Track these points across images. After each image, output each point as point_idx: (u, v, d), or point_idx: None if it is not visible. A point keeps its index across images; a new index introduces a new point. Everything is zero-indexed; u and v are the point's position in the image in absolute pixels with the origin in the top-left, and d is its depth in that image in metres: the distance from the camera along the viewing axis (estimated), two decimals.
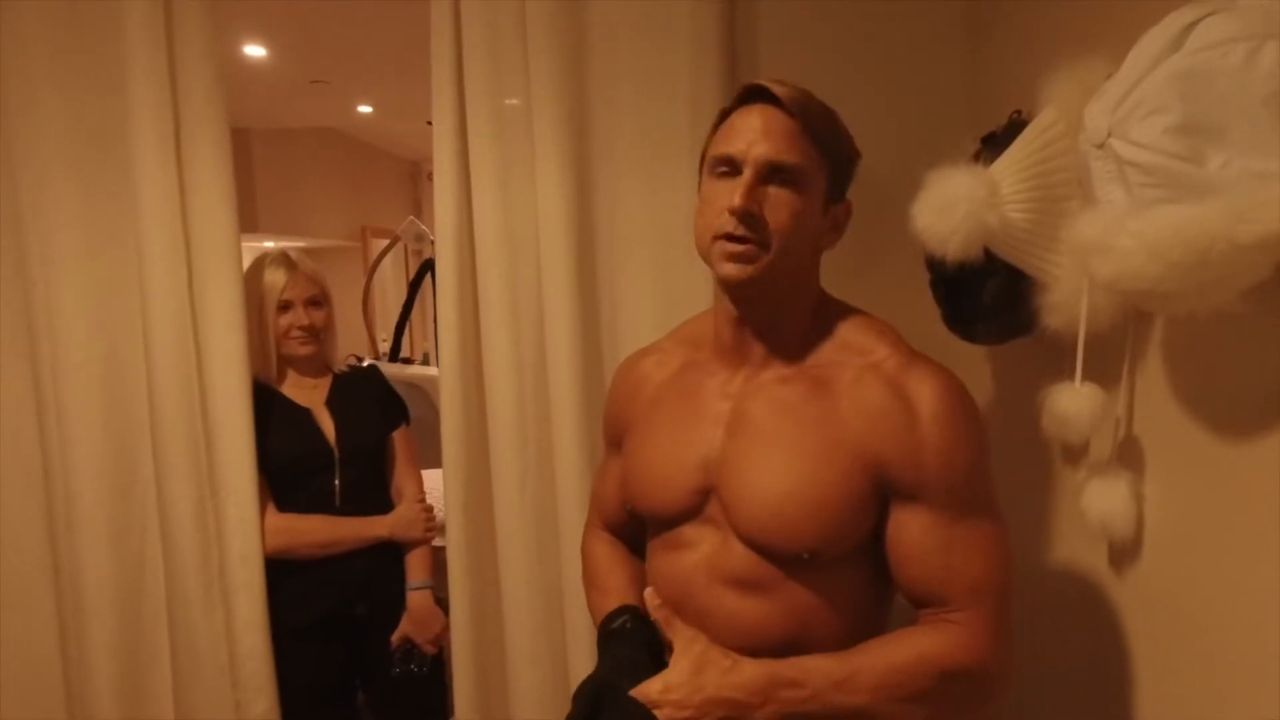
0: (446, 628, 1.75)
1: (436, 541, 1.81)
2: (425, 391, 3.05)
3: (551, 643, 1.63)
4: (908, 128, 1.45)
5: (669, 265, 1.56)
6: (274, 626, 1.65)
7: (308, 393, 1.76)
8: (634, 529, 1.18)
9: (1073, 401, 0.99)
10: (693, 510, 1.01)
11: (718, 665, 0.91)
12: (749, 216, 0.90)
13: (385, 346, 4.57)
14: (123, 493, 1.65)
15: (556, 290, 1.55)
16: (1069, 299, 0.98)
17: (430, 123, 1.60)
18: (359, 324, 4.79)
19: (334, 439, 1.73)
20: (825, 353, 0.98)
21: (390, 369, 2.89)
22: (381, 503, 1.79)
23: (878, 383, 0.93)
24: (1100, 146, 0.81)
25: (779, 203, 0.91)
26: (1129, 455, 1.03)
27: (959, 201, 1.02)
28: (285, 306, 1.71)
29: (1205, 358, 0.92)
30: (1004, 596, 0.92)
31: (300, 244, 5.20)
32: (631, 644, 1.00)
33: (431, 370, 3.48)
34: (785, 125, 0.91)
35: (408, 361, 4.60)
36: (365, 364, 2.19)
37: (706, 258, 0.96)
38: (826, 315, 1.01)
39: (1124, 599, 1.07)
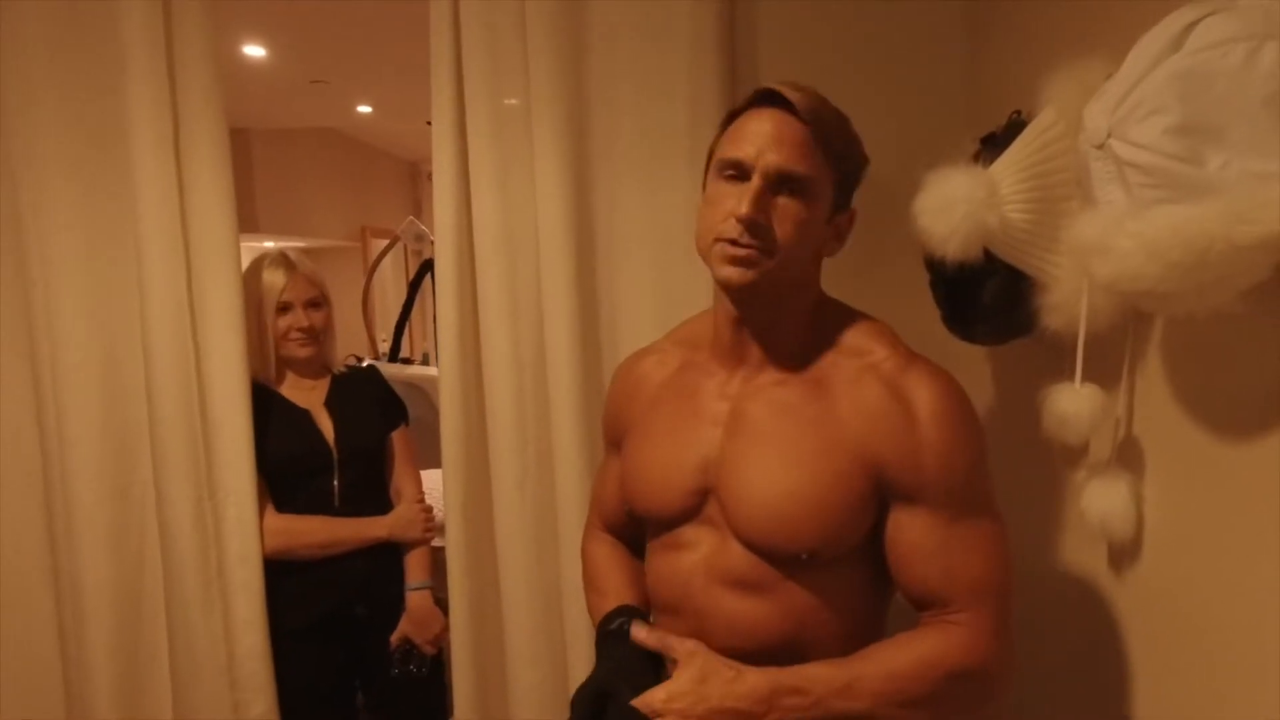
0: (446, 628, 1.75)
1: (436, 542, 1.80)
2: (425, 392, 3.05)
3: (551, 643, 1.62)
4: (907, 128, 1.45)
5: (668, 265, 1.56)
6: (273, 627, 1.65)
7: (306, 394, 1.76)
8: (634, 529, 1.18)
9: (1072, 402, 0.99)
10: (691, 511, 1.01)
11: (721, 675, 0.91)
12: (754, 225, 0.89)
13: (385, 347, 4.57)
14: (121, 493, 1.65)
15: (556, 290, 1.55)
16: (1068, 299, 0.98)
17: (430, 123, 1.60)
18: (358, 324, 4.79)
19: (333, 440, 1.73)
20: (824, 354, 0.98)
21: (390, 369, 2.88)
22: (381, 503, 1.79)
23: (876, 384, 0.93)
24: (1100, 147, 0.81)
25: (785, 213, 0.91)
26: (1129, 456, 1.03)
27: (958, 202, 1.02)
28: (284, 308, 1.71)
29: (1205, 358, 0.92)
30: (1004, 596, 0.92)
31: (300, 244, 5.20)
32: (629, 645, 1.00)
33: (431, 370, 3.48)
34: (797, 133, 0.90)
35: (407, 362, 4.60)
36: (364, 364, 2.19)
37: (706, 258, 0.95)
38: (825, 317, 1.01)
39: (1123, 599, 1.07)
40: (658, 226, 1.56)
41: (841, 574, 0.96)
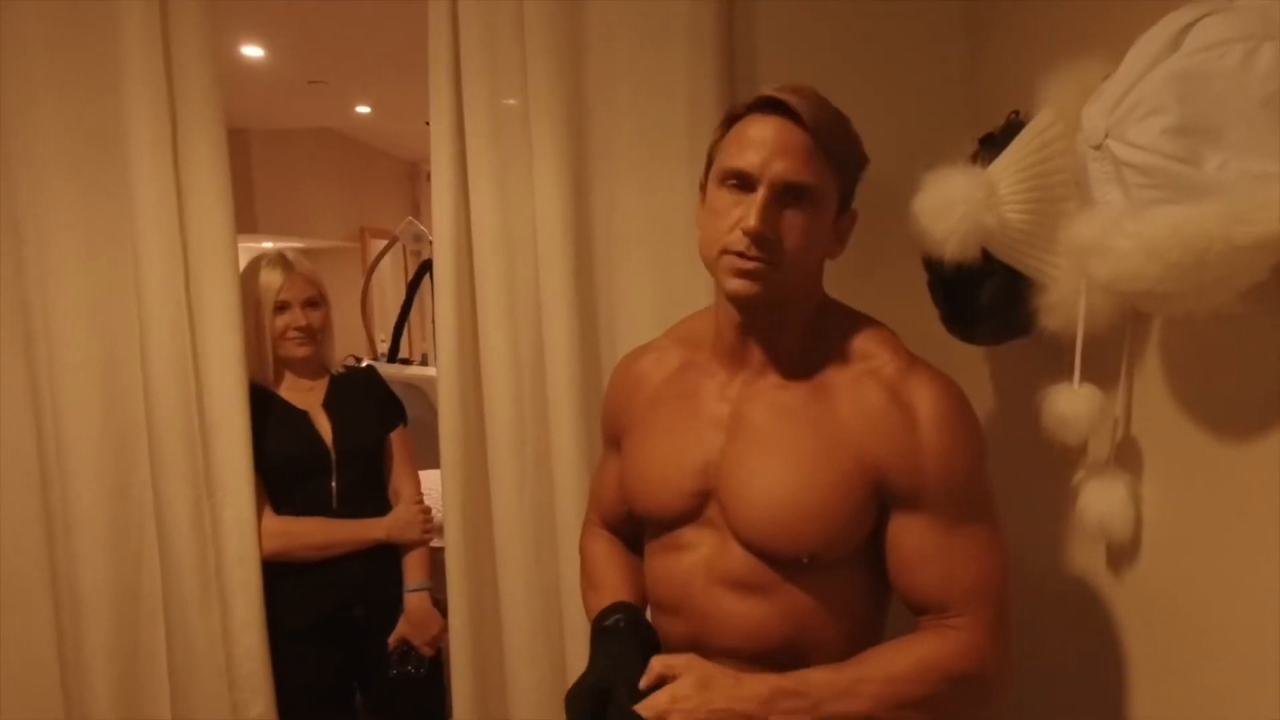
0: (444, 629, 1.75)
1: (435, 542, 1.80)
2: (424, 392, 3.04)
3: (550, 643, 1.62)
4: (906, 128, 1.45)
5: (667, 266, 1.56)
6: (271, 628, 1.64)
7: (305, 394, 1.75)
8: (632, 527, 1.18)
9: (1071, 402, 0.99)
10: (692, 513, 1.00)
11: (722, 679, 0.91)
12: (763, 239, 0.89)
13: (384, 347, 4.56)
14: (119, 494, 1.65)
15: (554, 291, 1.55)
16: (1067, 300, 0.98)
17: (428, 123, 1.60)
18: (357, 325, 4.79)
19: (331, 441, 1.72)
20: (825, 358, 0.98)
21: (389, 370, 2.88)
22: (379, 504, 1.79)
23: (877, 388, 0.93)
24: (1098, 147, 0.81)
25: (792, 224, 0.90)
26: (1127, 456, 1.03)
27: (957, 202, 1.02)
28: (282, 307, 1.70)
29: (1203, 359, 0.92)
30: (1002, 600, 0.93)
31: (298, 244, 5.19)
32: (625, 643, 1.00)
33: (430, 371, 3.48)
34: (801, 142, 0.89)
35: (406, 362, 4.60)
36: (363, 365, 2.19)
37: (712, 269, 0.95)
38: (827, 319, 1.01)
39: (1122, 600, 1.07)
40: (656, 226, 1.56)
41: (842, 576, 0.96)
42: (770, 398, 0.98)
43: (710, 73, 1.51)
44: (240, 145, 4.65)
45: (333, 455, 1.72)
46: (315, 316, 1.74)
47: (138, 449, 1.65)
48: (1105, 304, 0.93)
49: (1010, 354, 1.29)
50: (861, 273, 1.25)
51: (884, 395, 0.92)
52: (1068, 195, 0.98)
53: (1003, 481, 0.99)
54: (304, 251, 1.83)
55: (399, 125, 5.15)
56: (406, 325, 4.24)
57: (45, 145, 1.57)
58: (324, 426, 1.73)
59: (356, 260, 5.77)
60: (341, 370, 1.85)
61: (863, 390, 0.93)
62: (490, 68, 1.54)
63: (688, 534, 1.01)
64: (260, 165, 4.70)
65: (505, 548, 1.62)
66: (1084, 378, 0.99)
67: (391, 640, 1.76)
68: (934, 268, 1.21)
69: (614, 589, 1.11)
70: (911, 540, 0.93)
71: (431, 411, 1.68)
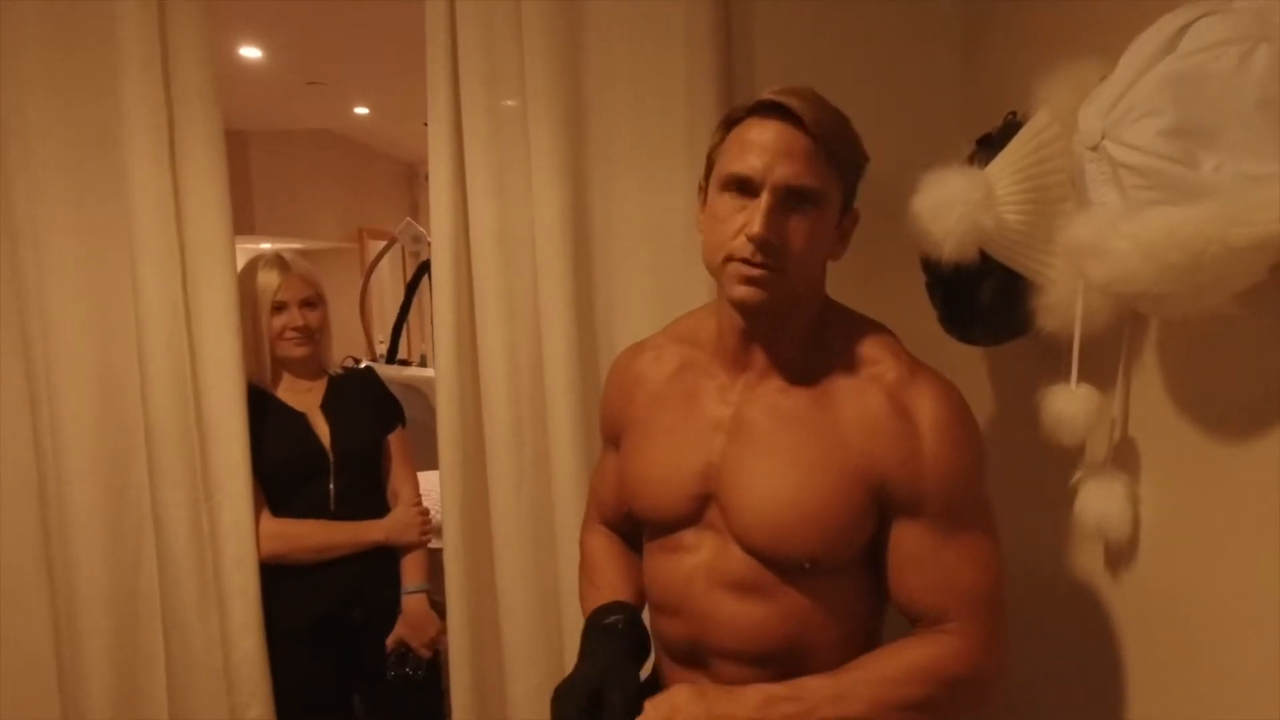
0: (441, 631, 1.75)
1: (433, 543, 1.80)
2: (422, 393, 3.04)
3: (549, 645, 1.62)
4: (903, 129, 1.45)
5: (665, 267, 1.56)
6: (269, 630, 1.64)
7: (303, 396, 1.75)
8: (632, 525, 1.17)
9: (1068, 403, 0.99)
10: (692, 516, 1.00)
11: (717, 690, 0.93)
12: (768, 245, 0.88)
13: (382, 348, 4.56)
14: (117, 495, 1.64)
15: (553, 292, 1.55)
16: (1064, 300, 0.98)
17: (427, 124, 1.60)
18: (356, 326, 4.78)
19: (329, 443, 1.72)
20: (828, 362, 0.97)
21: (387, 371, 2.88)
22: (377, 506, 1.79)
23: (879, 395, 0.93)
24: (1094, 149, 0.81)
25: (797, 228, 0.90)
26: (1125, 457, 1.03)
27: (954, 203, 1.02)
28: (279, 308, 1.70)
29: (1200, 360, 0.92)
30: (997, 606, 0.93)
31: (297, 246, 5.20)
32: (620, 645, 1.00)
33: (429, 372, 3.47)
34: (803, 145, 0.88)
35: (405, 363, 4.60)
36: (362, 366, 2.19)
37: (716, 275, 0.94)
38: (830, 322, 1.00)
39: (1120, 599, 1.07)
40: (655, 227, 1.56)
41: (842, 580, 0.96)
42: (772, 401, 0.97)
43: (708, 73, 1.51)
44: (238, 146, 4.65)
45: (331, 457, 1.72)
46: (313, 317, 1.73)
47: (135, 450, 1.64)
48: (1103, 305, 0.93)
49: (1008, 354, 1.29)
50: (859, 274, 1.25)
51: (886, 401, 0.92)
52: (1065, 196, 0.99)
53: (1001, 482, 0.99)
54: (302, 252, 1.83)
55: (397, 126, 5.16)
56: (405, 326, 4.23)
57: (43, 146, 1.57)
58: (322, 428, 1.73)
59: (355, 261, 5.77)
60: (340, 371, 1.85)
61: (865, 396, 0.93)
62: (488, 69, 1.54)
63: (688, 536, 1.01)
64: (258, 166, 4.71)
65: (504, 549, 1.62)
66: (1081, 378, 0.99)
67: (389, 642, 1.75)
68: (932, 268, 1.21)
69: (612, 586, 1.11)
70: (909, 546, 0.93)
71: (430, 412, 1.68)
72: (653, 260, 1.57)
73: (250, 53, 3.25)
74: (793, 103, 0.88)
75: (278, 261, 1.72)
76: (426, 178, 1.61)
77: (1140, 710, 1.03)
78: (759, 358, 0.99)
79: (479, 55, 1.54)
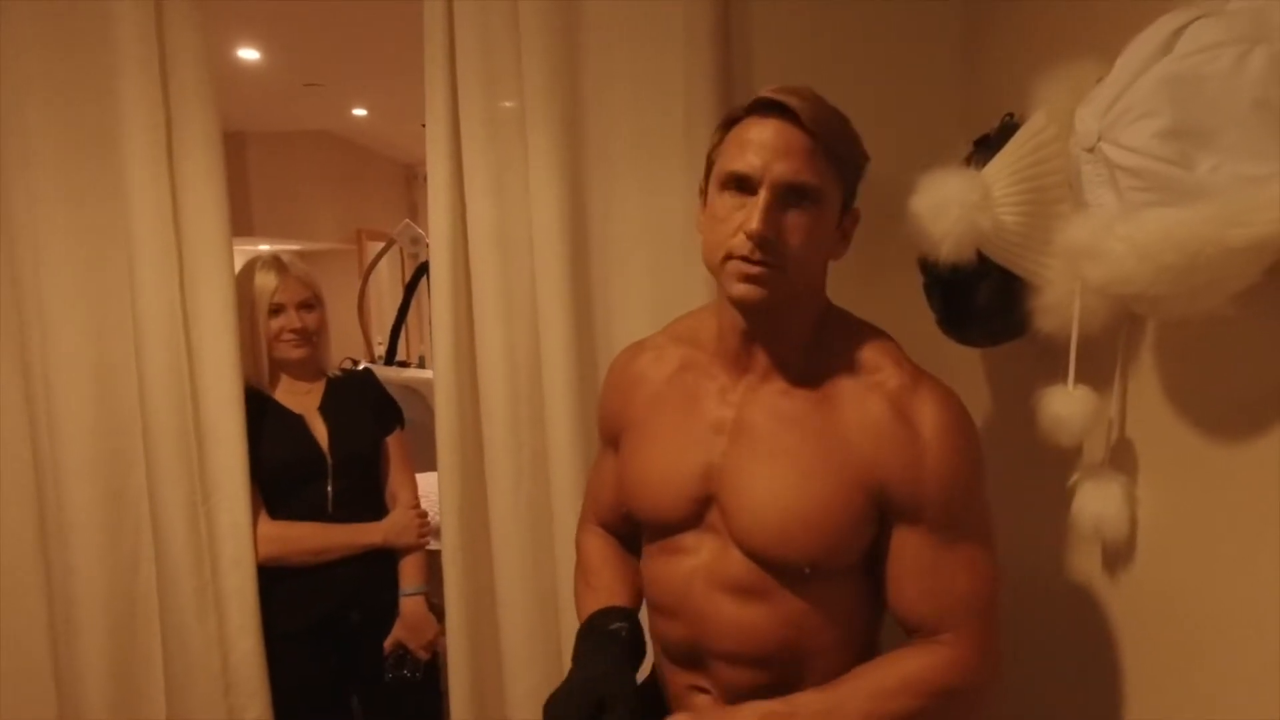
0: (439, 634, 1.75)
1: (432, 545, 1.80)
2: (421, 394, 3.04)
3: (547, 646, 1.62)
4: (901, 130, 1.45)
5: (663, 267, 1.56)
6: (267, 632, 1.64)
7: (301, 398, 1.75)
8: (629, 526, 1.17)
9: (1066, 404, 0.99)
10: (692, 518, 1.00)
11: (714, 711, 0.95)
12: (766, 241, 0.88)
13: (381, 349, 4.56)
14: (114, 497, 1.64)
15: (551, 293, 1.55)
16: (1062, 302, 0.98)
17: (425, 125, 1.60)
18: (354, 327, 4.78)
19: (327, 445, 1.72)
20: (829, 367, 0.97)
21: (386, 372, 2.88)
22: (375, 508, 1.79)
23: (882, 402, 0.93)
24: (1091, 150, 0.81)
25: (796, 225, 0.89)
26: (1122, 458, 1.03)
27: (952, 204, 1.02)
28: (277, 310, 1.70)
29: (1197, 361, 0.92)
30: (991, 617, 0.94)
31: (295, 247, 5.19)
32: (623, 653, 1.00)
33: (427, 373, 3.47)
34: (802, 143, 0.88)
35: (403, 365, 4.59)
36: (360, 367, 2.18)
37: (716, 274, 0.94)
38: (831, 326, 1.00)
39: (1117, 600, 1.07)
40: (653, 228, 1.56)
41: (841, 584, 0.96)
42: (773, 404, 0.97)
43: (707, 74, 1.51)
44: (237, 148, 4.65)
45: (329, 460, 1.71)
46: (310, 319, 1.73)
47: (133, 452, 1.64)
48: (1100, 306, 0.93)
49: (1005, 355, 1.29)
50: (858, 274, 1.25)
51: (889, 407, 0.92)
52: (1062, 198, 0.99)
53: (999, 483, 1.00)
54: (300, 254, 1.83)
55: (395, 127, 5.16)
56: (404, 327, 4.23)
57: (40, 147, 1.57)
58: (320, 431, 1.73)
59: (353, 263, 5.76)
60: (338, 373, 1.85)
61: (867, 402, 0.93)
62: (486, 70, 1.54)
63: (688, 539, 1.01)
64: (257, 168, 4.70)
65: (502, 550, 1.62)
66: (1079, 379, 0.99)
67: (387, 644, 1.75)
68: (929, 269, 1.21)
69: (609, 589, 1.11)
70: (908, 552, 0.93)
71: (429, 414, 1.67)
72: (651, 261, 1.57)
73: (248, 54, 3.25)
74: (791, 101, 0.88)
75: (275, 263, 1.72)
76: (425, 179, 1.61)
77: (1138, 711, 1.03)
78: (760, 359, 0.98)
79: (477, 56, 1.54)
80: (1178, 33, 0.75)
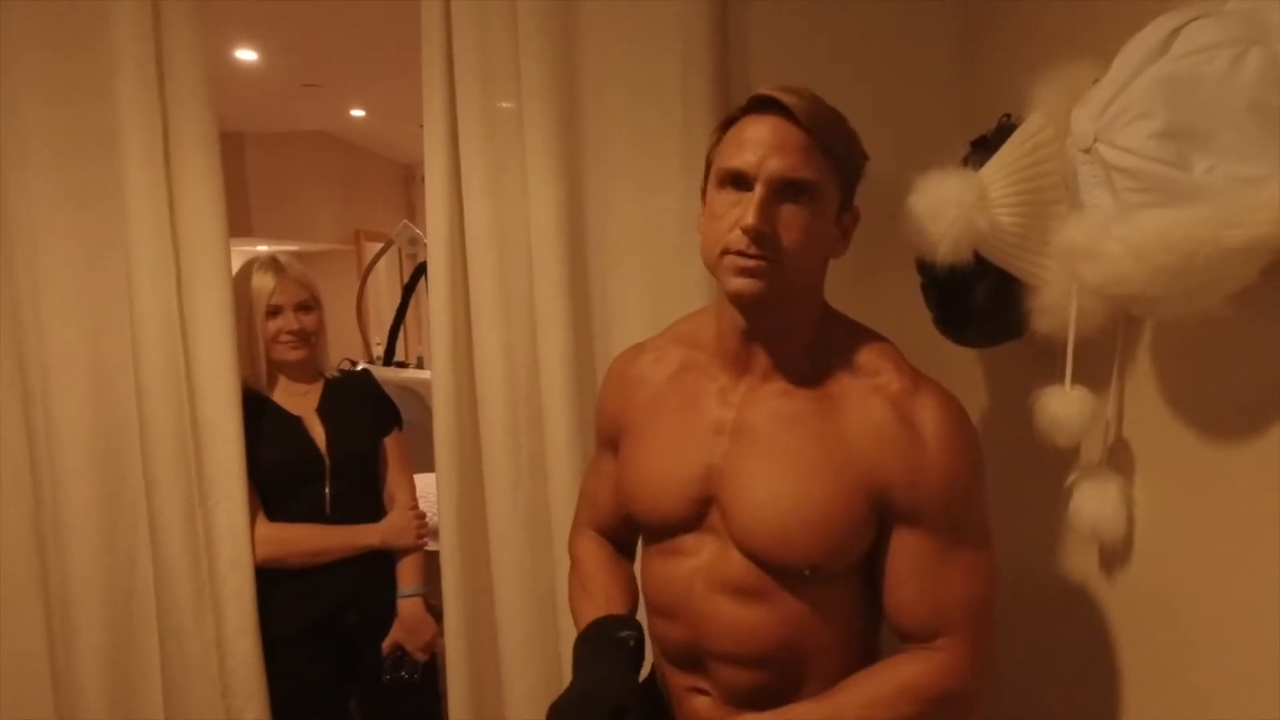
0: (437, 635, 1.75)
1: (430, 545, 1.80)
2: (420, 395, 3.04)
3: (545, 647, 1.62)
4: (899, 130, 1.45)
5: (661, 268, 1.56)
6: (265, 633, 1.64)
7: (299, 400, 1.75)
8: (625, 531, 1.17)
9: (1063, 404, 0.99)
10: (692, 520, 1.00)
11: None
12: (761, 236, 0.88)
13: (379, 350, 4.56)
14: (111, 499, 1.64)
15: (548, 293, 1.55)
16: (1059, 302, 0.98)
17: (423, 126, 1.60)
18: (353, 328, 4.78)
19: (324, 447, 1.72)
20: (830, 369, 0.97)
21: (384, 373, 2.88)
22: (373, 509, 1.79)
23: (884, 405, 0.93)
24: (1087, 151, 0.81)
25: (792, 220, 0.89)
26: (1119, 458, 1.03)
27: (949, 205, 1.02)
28: (274, 311, 1.70)
29: (1194, 361, 0.92)
30: (987, 623, 0.94)
31: (293, 248, 5.19)
32: (632, 662, 1.00)
33: (426, 374, 3.47)
34: (797, 139, 0.89)
35: (402, 365, 4.60)
36: (358, 368, 2.18)
37: (714, 270, 0.94)
38: (830, 329, 1.00)
39: (1114, 601, 1.07)
40: (650, 229, 1.56)
41: (841, 585, 0.96)
42: (774, 405, 0.97)
43: (704, 74, 1.51)
44: (235, 148, 4.64)
45: (326, 461, 1.71)
46: (308, 320, 1.73)
47: (130, 454, 1.64)
48: (1097, 307, 0.94)
49: (1002, 356, 1.29)
50: (854, 275, 1.25)
51: (890, 410, 0.92)
52: (1059, 198, 0.99)
53: (996, 484, 1.00)
54: (299, 255, 1.83)
55: (394, 128, 5.15)
56: (402, 328, 4.23)
57: (37, 147, 1.57)
58: (318, 432, 1.73)
59: (351, 263, 5.76)
60: (336, 374, 1.85)
61: (868, 404, 0.93)
62: (483, 70, 1.54)
63: (688, 540, 1.00)
64: (255, 169, 4.70)
65: (500, 550, 1.62)
66: (1076, 380, 0.99)
67: (385, 646, 1.75)
68: (927, 270, 1.21)
69: (607, 595, 1.11)
70: (906, 555, 0.93)
71: (428, 414, 1.67)
72: (649, 261, 1.57)
73: (246, 55, 3.25)
74: (786, 98, 0.89)
75: (272, 264, 1.72)
76: (423, 179, 1.61)
77: (1135, 711, 1.03)
78: (760, 359, 0.98)
79: (474, 56, 1.54)
80: (1174, 34, 0.75)
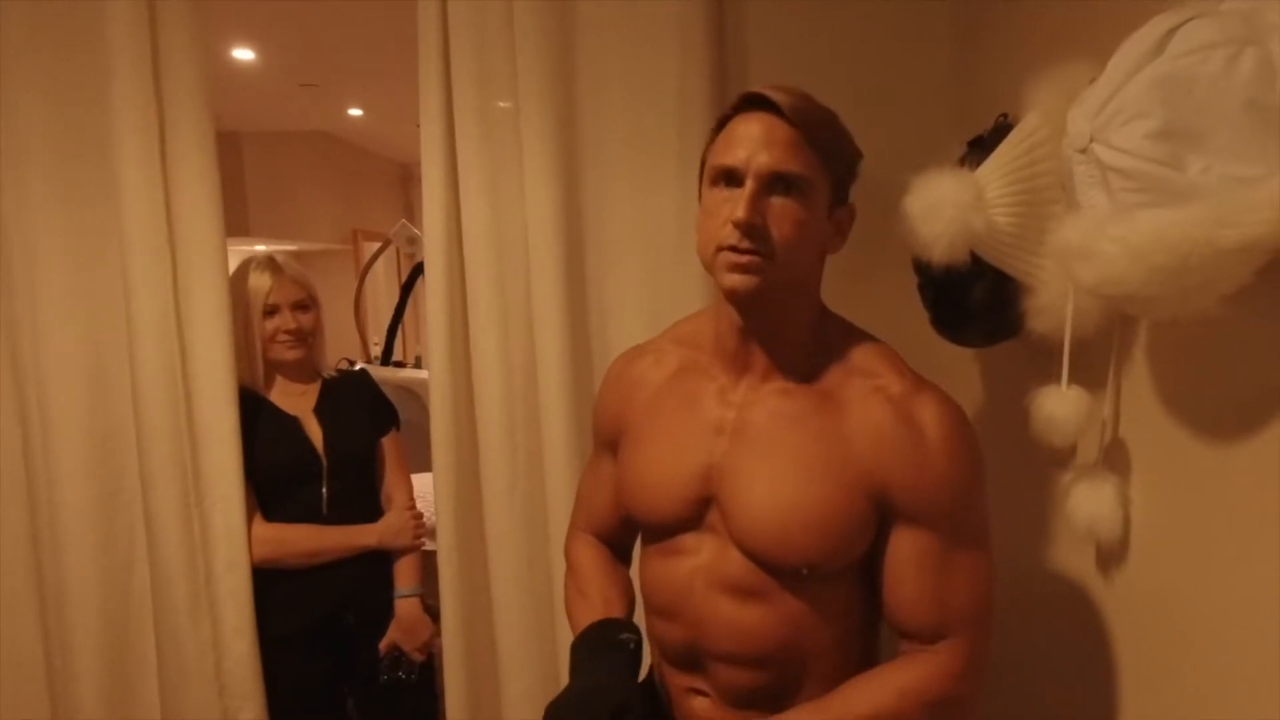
0: (434, 635, 1.74)
1: (428, 546, 1.80)
2: (418, 395, 3.04)
3: (542, 647, 1.62)
4: (895, 130, 1.45)
5: (658, 268, 1.56)
6: (261, 634, 1.64)
7: (296, 400, 1.74)
8: (621, 534, 1.17)
9: (1059, 404, 0.99)
10: (692, 519, 1.00)
11: None
12: (752, 229, 0.88)
13: (377, 350, 4.56)
14: (108, 499, 1.64)
15: (545, 293, 1.54)
16: (1055, 302, 0.98)
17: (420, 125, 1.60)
18: (351, 328, 4.78)
19: (322, 447, 1.71)
20: (828, 369, 0.97)
21: (382, 372, 2.88)
22: (370, 509, 1.78)
23: (885, 405, 0.93)
24: (1083, 151, 0.81)
25: (783, 214, 0.90)
26: (1115, 458, 1.03)
27: (945, 205, 1.02)
28: (271, 310, 1.69)
29: (1190, 362, 0.92)
30: (986, 626, 0.94)
31: (291, 247, 5.19)
32: (634, 665, 0.99)
33: (424, 374, 3.47)
34: (787, 134, 0.90)
35: (400, 365, 4.60)
36: (356, 368, 2.18)
37: (710, 268, 0.94)
38: (828, 330, 1.00)
39: (1111, 600, 1.07)
40: (647, 229, 1.56)
41: (841, 585, 0.96)
42: (774, 404, 0.97)
43: (702, 74, 1.51)
44: (232, 148, 4.64)
45: (323, 461, 1.71)
46: (305, 319, 1.73)
47: (126, 454, 1.64)
48: (1093, 307, 0.94)
49: (999, 356, 1.29)
50: (852, 274, 1.25)
51: (891, 411, 0.92)
52: (1055, 199, 0.99)
53: (993, 484, 1.00)
54: (296, 254, 1.83)
55: (392, 128, 5.15)
56: (401, 327, 4.23)
57: (32, 147, 1.56)
58: (315, 433, 1.72)
59: (350, 263, 5.76)
60: (334, 374, 1.85)
61: (870, 407, 0.93)
62: (480, 70, 1.54)
63: (688, 540, 1.00)
64: (252, 168, 4.70)
65: (497, 551, 1.62)
66: (1072, 380, 0.99)
67: (382, 646, 1.75)
68: (923, 270, 1.21)
69: (605, 598, 1.10)
70: (906, 556, 0.93)
71: (426, 414, 1.67)
72: (646, 261, 1.57)
73: (243, 54, 3.25)
74: (775, 95, 0.90)
75: (269, 264, 1.71)
76: (421, 179, 1.60)
77: (1132, 710, 1.03)
78: (759, 358, 0.98)
79: (471, 56, 1.54)
80: (1170, 34, 0.75)
